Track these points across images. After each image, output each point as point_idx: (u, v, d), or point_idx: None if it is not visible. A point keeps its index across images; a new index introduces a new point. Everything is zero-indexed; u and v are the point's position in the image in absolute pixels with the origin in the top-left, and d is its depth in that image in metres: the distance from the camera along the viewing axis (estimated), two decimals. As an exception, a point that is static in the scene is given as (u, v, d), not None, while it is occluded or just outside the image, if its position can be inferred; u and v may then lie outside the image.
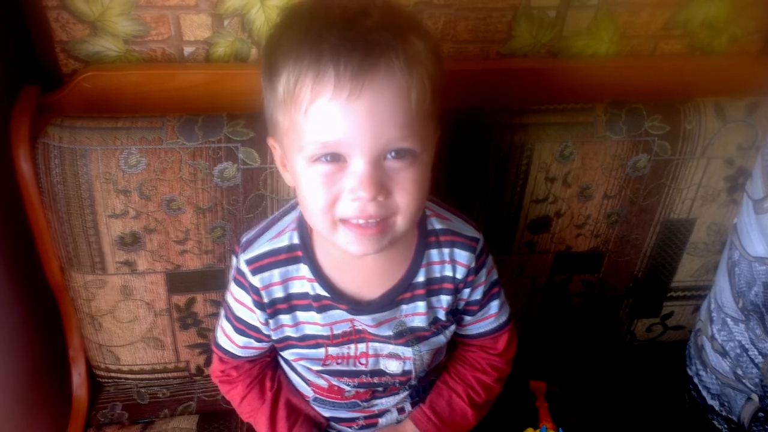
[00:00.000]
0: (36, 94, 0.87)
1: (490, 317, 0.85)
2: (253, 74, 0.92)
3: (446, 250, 0.79)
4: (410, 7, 0.94)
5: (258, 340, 0.82)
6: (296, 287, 0.77)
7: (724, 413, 0.99)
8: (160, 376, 1.02)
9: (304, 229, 0.76)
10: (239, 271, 0.78)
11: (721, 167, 0.99)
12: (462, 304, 0.83)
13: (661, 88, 1.00)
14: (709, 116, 0.96)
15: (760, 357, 0.91)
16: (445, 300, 0.81)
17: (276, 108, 0.66)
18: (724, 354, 0.96)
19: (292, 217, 0.78)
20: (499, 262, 1.01)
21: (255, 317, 0.79)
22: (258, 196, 0.89)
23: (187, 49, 0.94)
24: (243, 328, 0.81)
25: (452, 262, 0.79)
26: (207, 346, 1.00)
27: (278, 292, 0.77)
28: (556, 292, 1.08)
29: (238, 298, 0.80)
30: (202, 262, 0.93)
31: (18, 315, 0.93)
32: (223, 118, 0.87)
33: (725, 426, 0.99)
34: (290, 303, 0.78)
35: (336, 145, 0.63)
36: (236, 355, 0.84)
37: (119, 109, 0.88)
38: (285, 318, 0.79)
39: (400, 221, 0.68)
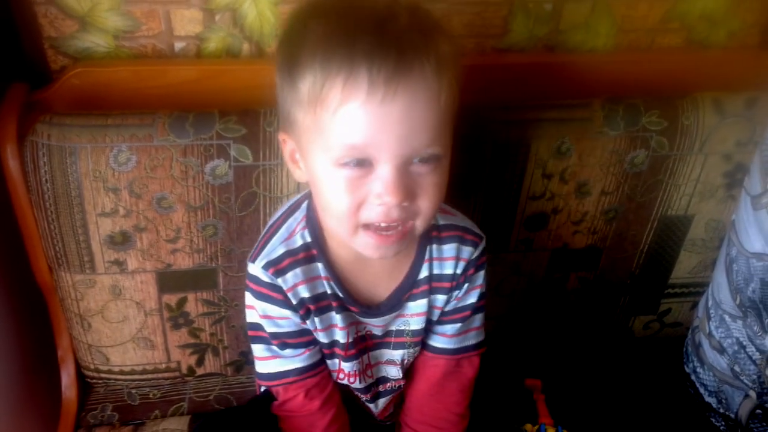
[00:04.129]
0: (24, 91, 0.85)
1: (473, 330, 0.84)
2: (246, 70, 0.93)
3: (448, 246, 0.78)
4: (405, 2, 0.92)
5: (305, 344, 0.79)
6: (318, 287, 0.76)
7: (721, 410, 0.98)
8: (150, 376, 1.01)
9: (315, 227, 0.75)
10: (257, 280, 0.75)
11: (719, 163, 0.98)
12: (453, 305, 0.81)
13: (658, 83, 0.99)
14: (707, 111, 0.95)
15: (758, 354, 0.90)
16: (440, 300, 0.80)
17: (295, 105, 0.65)
18: (721, 351, 0.96)
19: (298, 216, 0.77)
20: (496, 260, 1.00)
21: (290, 320, 0.77)
22: (250, 193, 0.88)
23: (178, 45, 0.92)
24: (286, 340, 0.78)
25: (456, 258, 0.78)
26: (199, 346, 0.99)
27: (304, 292, 0.75)
28: (552, 290, 1.07)
29: (266, 314, 0.77)
30: (193, 260, 0.92)
31: (6, 315, 0.92)
32: (215, 114, 0.86)
33: (723, 423, 0.98)
34: (318, 304, 0.76)
35: (364, 150, 0.62)
36: (297, 368, 0.79)
37: (109, 105, 0.87)
38: (317, 320, 0.77)
39: (419, 224, 0.68)
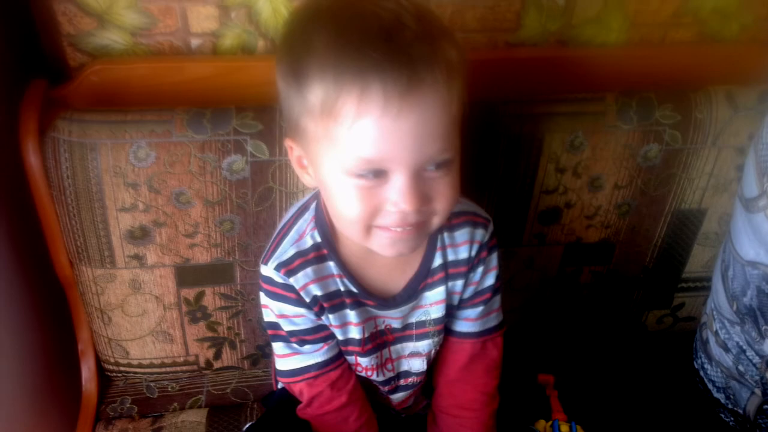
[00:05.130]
0: (43, 88, 0.86)
1: (494, 312, 0.85)
2: (261, 66, 0.93)
3: (461, 231, 0.79)
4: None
5: (323, 339, 0.80)
6: (331, 285, 0.77)
7: (730, 406, 0.98)
8: (169, 369, 1.02)
9: (324, 227, 0.76)
10: (270, 281, 0.76)
11: (732, 156, 0.98)
12: (471, 290, 0.82)
13: (671, 77, 0.99)
14: (720, 105, 0.95)
15: (758, 357, 0.90)
16: (459, 285, 0.81)
17: (304, 115, 0.64)
18: (726, 349, 0.96)
19: (308, 217, 0.77)
20: (509, 254, 1.01)
21: (305, 317, 0.78)
22: (267, 188, 0.89)
23: (194, 42, 0.93)
24: (303, 337, 0.79)
25: (470, 242, 0.79)
26: (216, 340, 1.00)
27: (316, 290, 0.76)
28: (566, 284, 1.07)
29: (282, 313, 0.78)
30: (211, 255, 0.93)
31: (27, 309, 0.93)
32: (232, 110, 0.87)
33: (731, 419, 0.99)
34: (331, 302, 0.77)
35: (379, 162, 0.63)
36: (318, 363, 0.80)
37: (127, 102, 0.88)
38: (331, 317, 0.78)
39: (436, 221, 0.69)
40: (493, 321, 0.85)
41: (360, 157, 0.62)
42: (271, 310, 0.78)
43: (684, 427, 1.00)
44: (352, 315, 0.78)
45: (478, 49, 0.99)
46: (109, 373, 1.03)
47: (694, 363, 1.05)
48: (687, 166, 0.98)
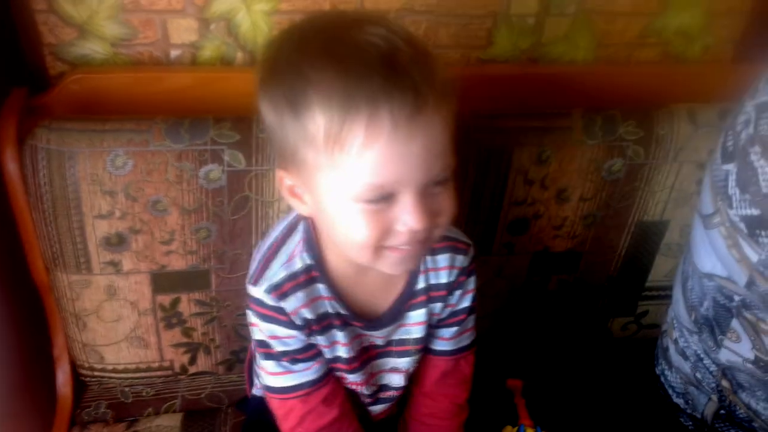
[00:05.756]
0: (24, 96, 0.87)
1: (468, 331, 0.87)
2: (240, 78, 0.95)
3: (442, 256, 0.80)
4: (393, 13, 0.96)
5: (314, 356, 0.79)
6: (320, 308, 0.77)
7: (689, 411, 1.01)
8: (144, 375, 1.03)
9: (314, 249, 0.75)
10: (261, 304, 0.75)
11: (693, 171, 1.02)
12: (448, 312, 0.84)
13: (636, 95, 1.02)
14: (682, 122, 0.99)
15: (714, 366, 0.93)
16: (438, 307, 0.82)
17: (303, 145, 0.63)
18: (685, 357, 0.99)
19: (296, 239, 0.76)
20: (479, 263, 1.03)
21: (296, 338, 0.77)
22: (243, 197, 0.91)
23: (174, 52, 0.95)
24: (295, 356, 0.78)
25: (450, 267, 0.80)
26: (191, 345, 1.02)
27: (307, 314, 0.76)
28: (534, 292, 1.10)
29: (273, 334, 0.77)
30: (186, 262, 0.94)
31: (2, 314, 0.93)
32: (210, 120, 0.88)
33: (691, 423, 1.01)
34: (321, 324, 0.77)
35: (390, 186, 0.62)
36: (310, 380, 0.80)
37: (107, 111, 0.89)
38: (320, 339, 0.78)
39: (437, 234, 0.69)
40: (466, 340, 0.87)
41: (369, 183, 0.62)
42: (261, 330, 0.77)
43: (646, 430, 1.03)
44: (340, 336, 0.79)
45: (451, 65, 1.02)
46: (84, 378, 1.03)
47: (656, 369, 1.08)
48: (649, 180, 1.02)
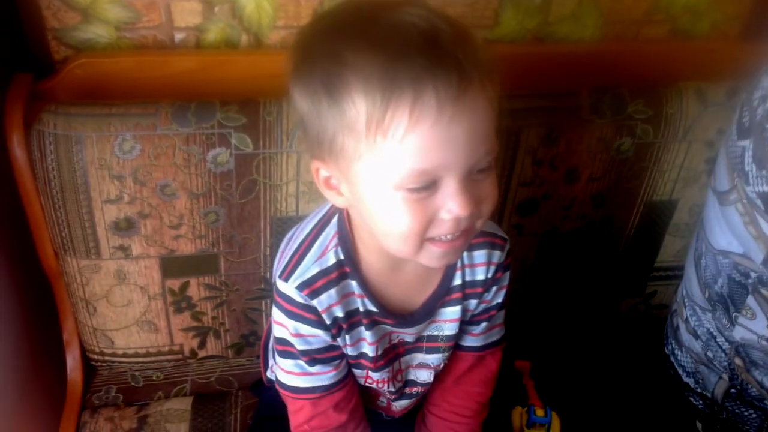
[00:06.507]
0: (28, 82, 0.87)
1: (497, 327, 0.86)
2: (244, 60, 0.95)
3: (479, 252, 0.78)
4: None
5: (333, 359, 0.78)
6: (351, 305, 0.75)
7: (699, 390, 1.02)
8: (154, 359, 1.04)
9: (347, 244, 0.73)
10: (290, 300, 0.73)
11: (701, 150, 1.02)
12: (482, 308, 0.82)
13: (644, 73, 1.02)
14: (691, 100, 0.98)
15: (727, 344, 0.93)
16: (473, 304, 0.81)
17: (341, 132, 0.60)
18: (696, 336, 0.99)
19: (330, 232, 0.74)
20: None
21: (320, 338, 0.75)
22: (251, 181, 0.91)
23: (178, 36, 0.94)
24: (315, 356, 0.77)
25: (487, 263, 0.78)
26: (201, 329, 1.02)
27: (338, 312, 0.74)
28: (543, 273, 1.10)
29: (297, 332, 0.75)
30: (195, 246, 0.94)
31: (12, 300, 0.94)
32: (216, 104, 0.88)
33: (700, 402, 1.02)
34: (350, 321, 0.75)
35: (434, 171, 0.60)
36: (325, 385, 0.78)
37: (111, 95, 0.89)
38: (347, 337, 0.77)
39: (479, 224, 0.67)
40: (495, 336, 0.86)
41: (413, 169, 0.59)
42: (286, 328, 0.75)
43: (655, 410, 1.04)
44: (367, 334, 0.77)
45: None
46: (94, 363, 1.04)
47: (665, 349, 1.08)
48: (658, 159, 1.01)
